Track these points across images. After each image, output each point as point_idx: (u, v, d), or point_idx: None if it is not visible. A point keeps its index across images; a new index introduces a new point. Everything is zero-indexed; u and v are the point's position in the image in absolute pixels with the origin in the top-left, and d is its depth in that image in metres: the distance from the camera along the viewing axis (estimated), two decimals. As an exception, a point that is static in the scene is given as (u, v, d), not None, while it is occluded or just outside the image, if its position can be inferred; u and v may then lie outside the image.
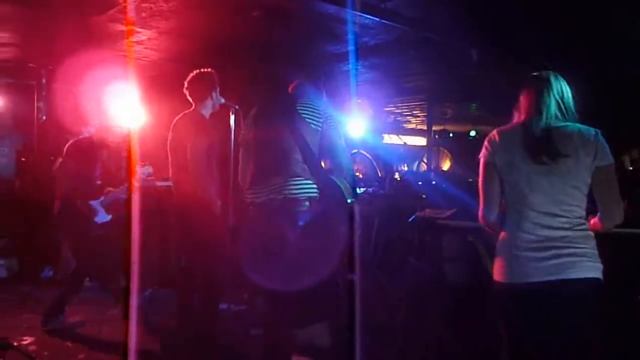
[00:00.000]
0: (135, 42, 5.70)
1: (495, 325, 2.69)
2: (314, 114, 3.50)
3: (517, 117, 2.68)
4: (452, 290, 4.29)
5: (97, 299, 5.80)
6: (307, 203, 3.45)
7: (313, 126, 3.50)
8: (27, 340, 4.61)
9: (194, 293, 4.53)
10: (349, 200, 3.57)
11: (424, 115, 11.36)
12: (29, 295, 6.01)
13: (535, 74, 2.68)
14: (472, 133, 11.94)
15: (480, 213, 2.69)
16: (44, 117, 7.37)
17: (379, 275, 4.95)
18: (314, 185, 3.49)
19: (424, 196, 5.44)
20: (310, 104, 3.54)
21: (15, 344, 4.00)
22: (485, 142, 2.67)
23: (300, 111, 3.50)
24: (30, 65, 7.19)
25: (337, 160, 3.59)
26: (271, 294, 3.79)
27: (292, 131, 3.49)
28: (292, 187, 3.44)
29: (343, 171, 3.59)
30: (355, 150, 7.84)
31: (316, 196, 3.49)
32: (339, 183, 3.57)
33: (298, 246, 3.40)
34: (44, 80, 7.33)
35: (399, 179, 7.72)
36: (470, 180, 7.38)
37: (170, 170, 4.53)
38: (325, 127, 3.52)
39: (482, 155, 2.66)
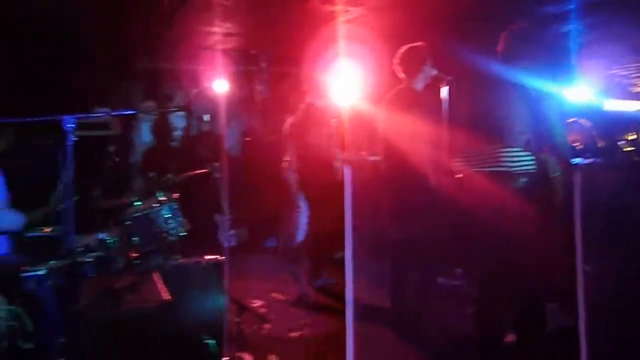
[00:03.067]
0: (346, 20, 5.83)
1: None
2: (529, 81, 3.30)
3: None
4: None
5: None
6: (524, 179, 3.27)
7: (529, 94, 3.30)
8: (257, 303, 5.05)
9: (410, 267, 4.58)
10: (555, 174, 3.31)
11: (655, 77, 10.08)
12: (257, 262, 6.61)
13: None
14: None
15: None
16: (265, 99, 7.98)
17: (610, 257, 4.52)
18: (531, 158, 3.28)
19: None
20: (526, 70, 3.33)
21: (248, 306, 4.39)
22: None
23: (517, 77, 3.32)
24: (252, 52, 7.79)
25: (546, 132, 3.34)
26: (481, 271, 3.69)
27: (509, 98, 3.33)
28: (508, 158, 3.27)
29: (555, 145, 3.34)
30: (572, 119, 7.25)
31: (533, 170, 3.28)
32: (544, 159, 3.32)
33: (511, 224, 3.24)
34: (263, 65, 7.91)
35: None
36: None
37: (380, 145, 4.60)
38: (538, 96, 3.29)
39: None
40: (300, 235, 6.73)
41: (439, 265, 4.74)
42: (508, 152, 3.29)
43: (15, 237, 3.87)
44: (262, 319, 4.40)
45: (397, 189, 4.46)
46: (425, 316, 4.44)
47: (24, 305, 2.78)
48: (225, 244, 7.03)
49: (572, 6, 5.50)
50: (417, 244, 4.38)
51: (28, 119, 3.03)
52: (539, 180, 3.29)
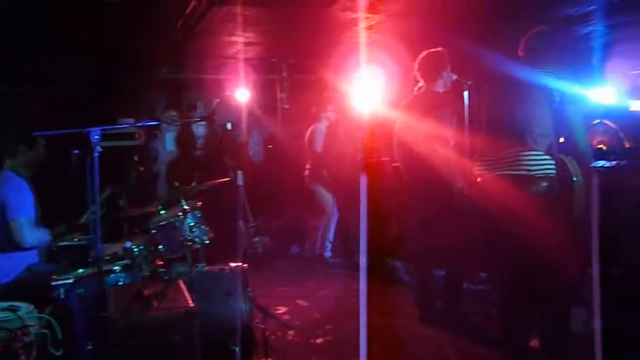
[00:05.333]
0: (366, 27, 5.86)
1: None
2: (553, 84, 3.28)
3: None
4: None
5: (343, 273, 6.19)
6: (545, 183, 3.25)
7: (551, 96, 3.28)
8: (281, 309, 5.08)
9: (436, 270, 4.58)
10: (575, 179, 3.28)
11: (682, 76, 9.92)
12: (281, 270, 6.64)
13: None
14: None
15: None
16: (286, 107, 8.04)
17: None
18: (552, 161, 3.27)
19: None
20: (547, 72, 3.32)
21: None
22: None
23: (538, 79, 3.31)
24: (273, 60, 7.86)
25: (569, 137, 3.33)
26: (504, 274, 3.67)
27: (530, 100, 3.32)
28: (527, 162, 3.27)
29: (576, 149, 3.31)
30: (597, 121, 7.17)
31: (554, 174, 3.27)
32: (567, 162, 3.29)
33: (532, 228, 3.23)
34: (284, 73, 7.98)
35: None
36: None
37: (397, 149, 4.61)
38: (561, 99, 3.27)
39: None
40: (327, 241, 6.78)
41: (464, 269, 4.71)
42: (528, 155, 3.27)
43: (45, 246, 3.98)
44: (286, 325, 4.43)
45: (418, 193, 4.47)
46: (451, 320, 4.44)
47: (54, 313, 2.85)
48: (250, 252, 7.12)
49: (593, 8, 5.45)
50: (439, 248, 4.39)
51: (56, 132, 3.10)
52: (561, 185, 3.26)
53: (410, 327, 4.47)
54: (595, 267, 3.37)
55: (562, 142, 3.36)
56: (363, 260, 4.25)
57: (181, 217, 4.06)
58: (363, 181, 5.28)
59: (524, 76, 3.39)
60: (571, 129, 3.29)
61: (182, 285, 3.12)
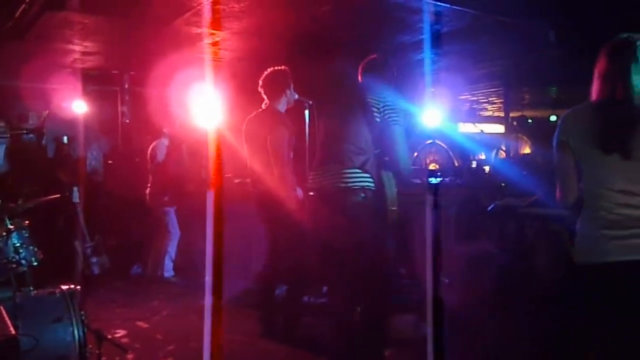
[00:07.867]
0: (210, 43, 5.84)
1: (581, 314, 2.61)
2: (377, 107, 3.49)
3: (595, 92, 2.53)
4: (536, 279, 4.17)
5: (185, 293, 6.04)
6: (363, 194, 3.46)
7: (376, 118, 3.48)
8: (120, 332, 4.85)
9: (277, 286, 4.63)
10: (390, 193, 3.54)
11: (500, 102, 11.06)
12: (120, 291, 6.35)
13: (617, 38, 2.49)
14: (553, 118, 11.45)
15: (557, 196, 2.61)
16: (127, 121, 7.74)
17: (460, 267, 4.87)
18: (368, 176, 3.48)
19: (502, 184, 5.32)
20: (375, 96, 3.52)
21: (109, 336, 4.20)
22: (560, 121, 2.59)
23: (368, 103, 3.50)
24: (114, 72, 7.55)
25: (392, 155, 3.55)
26: (334, 284, 3.84)
27: (350, 120, 3.52)
28: (347, 176, 3.47)
29: (398, 166, 3.55)
30: (430, 141, 7.74)
31: (372, 187, 3.48)
32: (383, 176, 3.55)
33: (350, 236, 3.43)
34: (126, 86, 7.69)
35: (485, 169, 7.55)
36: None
37: (245, 166, 4.65)
38: (385, 120, 3.48)
39: (556, 135, 2.57)
40: (169, 260, 6.60)
41: (304, 283, 4.82)
42: (347, 171, 3.48)
43: None
44: (123, 349, 4.22)
45: (260, 208, 4.53)
46: (292, 334, 4.51)
47: None
48: (86, 273, 6.71)
49: (422, 37, 5.91)
50: (281, 263, 4.47)
51: None
52: (376, 196, 3.49)
53: (253, 343, 4.47)
54: (429, 275, 3.60)
55: (379, 160, 3.58)
56: (208, 278, 4.16)
57: (4, 237, 3.74)
58: (210, 198, 5.23)
59: (349, 96, 3.64)
60: (393, 147, 3.51)
61: (3, 311, 2.85)
